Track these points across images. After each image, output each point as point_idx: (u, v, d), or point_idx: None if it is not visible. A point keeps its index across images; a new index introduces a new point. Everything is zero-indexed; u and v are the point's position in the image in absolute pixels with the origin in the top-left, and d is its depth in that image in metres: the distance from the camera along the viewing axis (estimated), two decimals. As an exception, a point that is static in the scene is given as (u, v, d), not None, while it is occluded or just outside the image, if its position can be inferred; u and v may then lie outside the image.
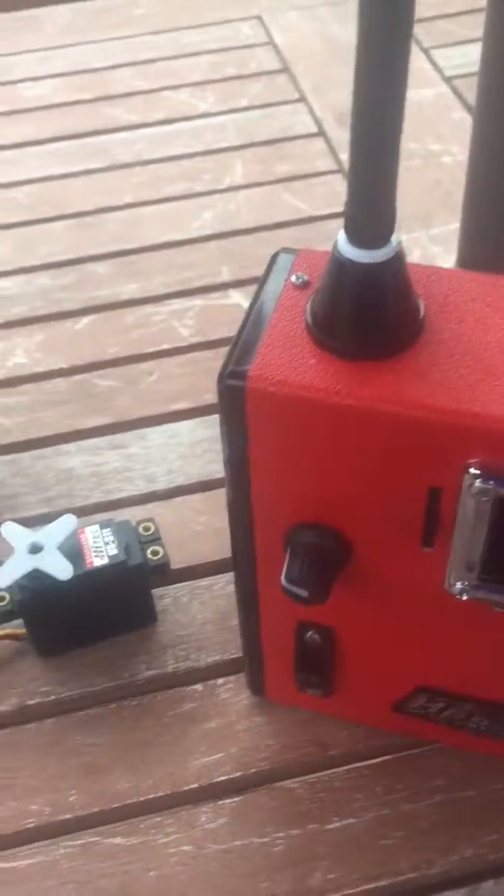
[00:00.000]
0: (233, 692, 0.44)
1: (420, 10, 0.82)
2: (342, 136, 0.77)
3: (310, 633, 0.38)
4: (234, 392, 0.29)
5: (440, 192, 0.72)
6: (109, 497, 0.53)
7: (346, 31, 0.90)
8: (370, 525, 0.32)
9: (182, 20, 0.92)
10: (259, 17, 0.92)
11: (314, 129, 0.78)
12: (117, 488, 0.53)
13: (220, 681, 0.45)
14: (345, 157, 0.75)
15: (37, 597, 0.42)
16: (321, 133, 0.77)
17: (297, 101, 0.81)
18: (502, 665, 0.35)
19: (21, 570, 0.41)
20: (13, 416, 0.57)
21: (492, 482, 0.28)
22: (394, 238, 0.28)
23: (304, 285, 0.32)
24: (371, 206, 0.27)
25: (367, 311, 0.28)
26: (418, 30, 0.89)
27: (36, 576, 0.42)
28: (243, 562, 0.36)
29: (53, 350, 0.61)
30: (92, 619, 0.44)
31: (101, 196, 0.73)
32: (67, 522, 0.43)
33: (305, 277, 0.32)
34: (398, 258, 0.28)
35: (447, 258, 0.66)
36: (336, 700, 0.41)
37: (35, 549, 0.42)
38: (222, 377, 0.30)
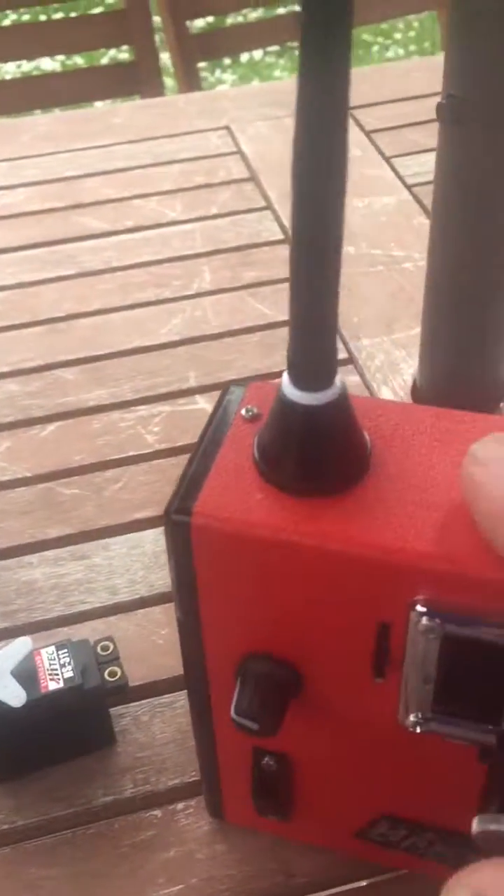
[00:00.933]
0: (193, 818, 0.43)
1: (387, 121, 0.85)
2: (307, 243, 0.79)
3: (266, 758, 0.37)
4: (180, 526, 0.30)
5: (403, 297, 0.73)
6: (72, 610, 0.52)
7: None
8: (321, 657, 0.32)
9: (158, 130, 0.96)
10: (228, 128, 0.96)
11: (280, 236, 0.80)
12: (80, 601, 0.53)
13: (181, 805, 0.44)
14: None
15: (-10, 722, 0.41)
16: (287, 240, 0.80)
17: (264, 208, 0.84)
18: (458, 795, 0.35)
19: (-26, 695, 0.41)
20: (-24, 527, 0.57)
21: (438, 619, 0.28)
22: (337, 379, 0.28)
23: (254, 418, 0.32)
24: (312, 354, 0.27)
25: (311, 450, 0.29)
26: (380, 139, 0.93)
27: (-10, 700, 0.41)
28: (196, 684, 0.35)
29: (19, 458, 0.62)
30: (48, 743, 0.43)
31: (71, 303, 0.75)
32: (22, 645, 0.43)
33: (255, 410, 0.32)
34: (341, 399, 0.29)
35: (410, 362, 0.67)
36: (298, 824, 0.40)
37: (-11, 673, 0.41)
38: (168, 511, 0.30)
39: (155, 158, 0.92)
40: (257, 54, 3.27)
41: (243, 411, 0.32)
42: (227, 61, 3.35)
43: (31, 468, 0.61)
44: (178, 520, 0.30)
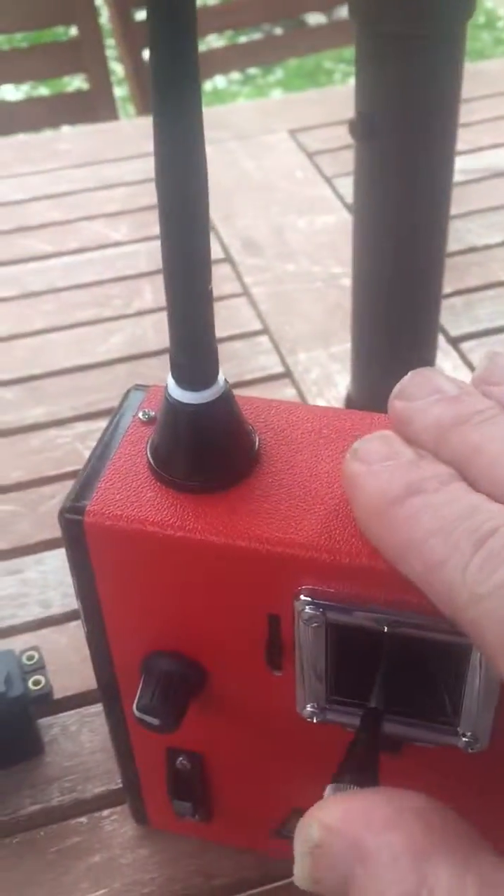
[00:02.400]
0: (118, 824, 0.43)
1: (329, 143, 0.86)
2: (248, 262, 0.81)
3: (180, 759, 0.38)
4: (73, 526, 0.30)
5: (340, 313, 0.75)
6: (2, 624, 0.53)
7: (255, 163, 0.95)
8: (220, 651, 0.32)
9: (103, 154, 0.97)
10: (173, 152, 0.97)
11: (222, 255, 0.82)
12: (11, 615, 0.53)
13: (106, 812, 0.44)
14: (249, 280, 0.78)
15: None
16: (228, 259, 0.81)
17: (206, 229, 0.85)
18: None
19: None
20: None
21: (320, 608, 0.29)
22: (220, 378, 0.29)
23: (150, 421, 0.33)
24: (192, 354, 0.28)
25: (197, 448, 0.30)
26: (322, 160, 0.95)
27: None
28: (107, 691, 0.36)
29: (-44, 476, 0.62)
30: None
31: (12, 323, 0.75)
32: None
33: (152, 413, 0.33)
34: (225, 398, 0.30)
35: (345, 375, 0.68)
36: (218, 826, 0.41)
37: None
38: (62, 511, 0.31)
39: (100, 182, 0.93)
40: (220, 83, 3.32)
41: (140, 413, 0.33)
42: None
43: (-33, 486, 0.61)
44: (71, 518, 0.30)
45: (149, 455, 0.31)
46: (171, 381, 0.29)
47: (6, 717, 0.43)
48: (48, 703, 0.45)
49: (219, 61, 1.80)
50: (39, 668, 0.44)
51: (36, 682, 0.44)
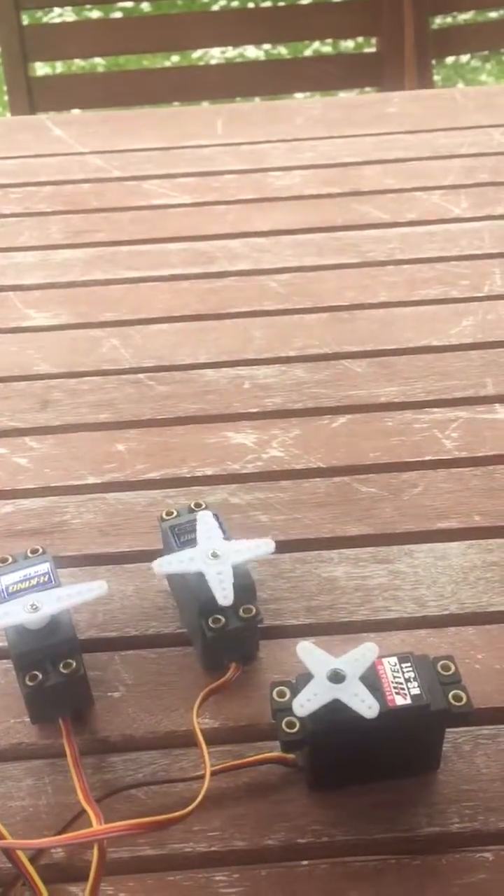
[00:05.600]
0: (525, 869, 0.39)
1: None
2: None
3: None
4: None
5: None
6: (377, 616, 0.49)
7: None
8: None
9: (436, 122, 0.92)
10: (512, 125, 0.91)
11: None
12: (384, 607, 0.50)
13: (510, 852, 0.40)
14: None
15: (332, 730, 0.39)
16: None
17: None
18: None
19: (321, 700, 0.38)
20: (272, 513, 0.55)
21: None
22: None
23: None
24: None
25: None
26: None
27: (334, 707, 0.38)
28: None
29: (311, 448, 0.59)
30: (376, 759, 0.41)
31: (355, 292, 0.72)
32: (369, 651, 0.40)
33: None
34: None
35: None
36: None
37: (336, 677, 0.39)
38: None
39: (434, 151, 0.88)
40: (463, 57, 3.18)
41: None
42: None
43: (323, 459, 0.58)
44: None
45: None
46: None
47: (423, 730, 0.40)
48: (466, 723, 0.41)
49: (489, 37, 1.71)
50: (456, 681, 0.41)
51: (457, 698, 0.40)
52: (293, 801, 0.42)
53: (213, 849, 0.40)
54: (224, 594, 0.42)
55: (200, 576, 0.43)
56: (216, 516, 0.48)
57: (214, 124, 0.94)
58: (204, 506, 0.49)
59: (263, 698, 0.45)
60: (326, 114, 0.95)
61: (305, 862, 0.40)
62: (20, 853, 0.39)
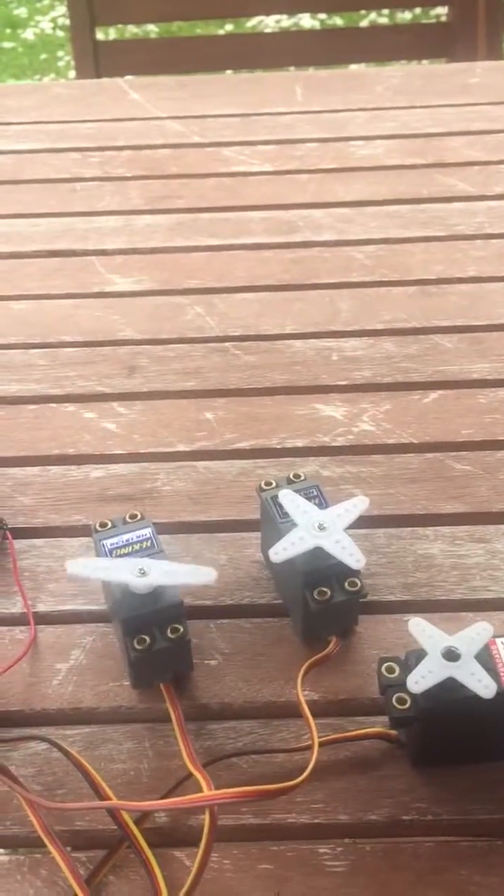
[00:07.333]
0: None
1: None
2: None
3: None
4: None
5: None
6: (474, 595, 0.49)
7: None
8: None
9: (519, 94, 0.90)
10: None
11: None
12: (482, 587, 0.49)
13: None
14: None
15: (443, 708, 0.38)
16: None
17: None
18: None
19: (436, 677, 0.38)
20: (364, 487, 0.54)
21: None
22: None
23: None
24: None
25: None
26: None
27: (447, 685, 0.38)
28: None
29: (402, 422, 0.58)
30: (481, 739, 0.40)
31: (442, 266, 0.70)
32: (484, 630, 0.39)
33: None
34: None
35: None
36: None
37: (451, 655, 0.38)
38: None
39: (519, 124, 0.86)
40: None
41: None
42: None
43: (415, 435, 0.58)
44: None
45: None
46: None
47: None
48: None
49: None
50: None
51: None
52: (396, 777, 0.41)
53: (316, 821, 0.40)
54: (356, 559, 0.42)
55: (319, 550, 0.42)
56: (317, 487, 0.47)
57: (293, 91, 0.92)
58: (303, 476, 0.48)
59: (362, 673, 0.45)
60: (407, 83, 0.93)
61: (410, 839, 0.39)
62: (126, 815, 0.39)
